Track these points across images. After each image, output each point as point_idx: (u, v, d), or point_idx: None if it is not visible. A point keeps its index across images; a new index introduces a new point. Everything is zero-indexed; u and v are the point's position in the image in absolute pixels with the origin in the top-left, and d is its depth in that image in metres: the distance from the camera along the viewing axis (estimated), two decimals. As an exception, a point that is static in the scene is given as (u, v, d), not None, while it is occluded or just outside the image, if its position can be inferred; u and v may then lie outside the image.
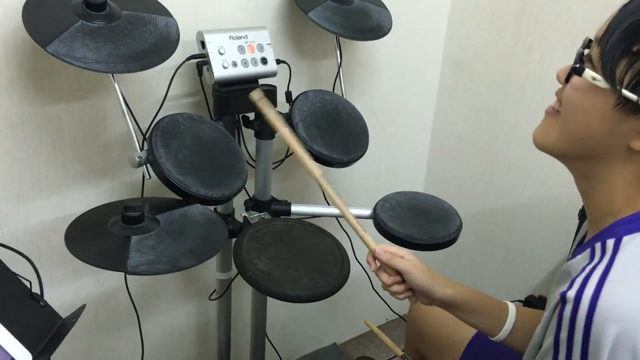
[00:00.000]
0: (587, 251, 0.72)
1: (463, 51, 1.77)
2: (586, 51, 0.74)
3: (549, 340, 0.69)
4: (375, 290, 1.82)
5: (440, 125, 1.91)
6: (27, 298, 0.78)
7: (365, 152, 1.39)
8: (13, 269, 0.87)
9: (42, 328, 0.76)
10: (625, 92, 0.67)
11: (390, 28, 1.43)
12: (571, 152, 0.76)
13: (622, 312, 0.63)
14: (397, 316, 2.01)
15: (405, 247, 1.29)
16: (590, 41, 0.74)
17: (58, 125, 1.19)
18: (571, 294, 0.66)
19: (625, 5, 0.69)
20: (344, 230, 1.69)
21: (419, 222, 1.34)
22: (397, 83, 1.75)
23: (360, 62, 1.64)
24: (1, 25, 1.05)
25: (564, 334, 0.66)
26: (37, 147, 1.17)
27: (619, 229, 0.71)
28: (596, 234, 0.76)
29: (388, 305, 1.89)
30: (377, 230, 1.33)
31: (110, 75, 1.05)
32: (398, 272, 0.97)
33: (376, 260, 0.99)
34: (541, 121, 0.80)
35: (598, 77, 0.69)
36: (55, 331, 0.76)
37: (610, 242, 0.70)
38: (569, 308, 0.66)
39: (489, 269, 1.90)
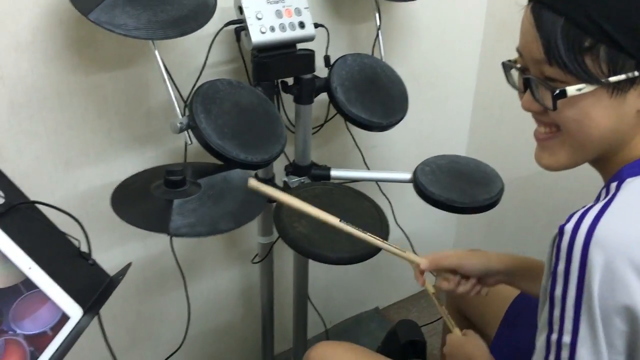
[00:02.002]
0: (596, 199, 0.73)
1: (507, 10, 1.71)
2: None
3: (547, 273, 0.69)
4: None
5: (483, 88, 1.87)
6: (76, 257, 0.82)
7: (404, 115, 1.38)
8: (63, 230, 0.91)
9: (91, 285, 0.79)
10: (612, 79, 0.68)
11: (430, -12, 1.40)
12: (593, 156, 0.76)
13: (613, 241, 0.63)
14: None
15: (446, 211, 1.29)
16: (520, 67, 0.77)
17: (103, 94, 1.22)
18: (569, 226, 0.66)
19: (537, 18, 0.70)
20: (384, 195, 1.69)
21: (459, 185, 1.33)
22: (438, 45, 1.72)
23: (400, 24, 1.62)
24: (45, -4, 1.08)
25: (561, 266, 0.66)
26: (83, 115, 1.21)
27: (624, 173, 0.72)
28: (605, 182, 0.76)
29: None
30: (418, 194, 1.33)
31: (151, 42, 1.07)
32: (452, 272, 0.98)
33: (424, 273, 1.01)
34: (540, 148, 0.80)
35: (581, 85, 0.70)
36: (104, 288, 0.79)
37: (613, 184, 0.71)
38: (565, 239, 0.66)
39: (534, 232, 1.87)
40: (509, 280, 1.00)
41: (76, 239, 0.84)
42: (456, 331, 1.12)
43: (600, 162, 0.78)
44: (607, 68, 0.68)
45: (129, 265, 0.86)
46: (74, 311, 0.75)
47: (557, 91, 0.70)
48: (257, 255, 1.50)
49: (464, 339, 1.07)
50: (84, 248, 0.85)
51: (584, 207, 0.69)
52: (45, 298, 0.75)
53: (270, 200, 1.08)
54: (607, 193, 0.71)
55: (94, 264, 0.82)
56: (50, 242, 0.79)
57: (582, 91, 0.70)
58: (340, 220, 0.98)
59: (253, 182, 1.00)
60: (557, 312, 0.67)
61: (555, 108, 0.72)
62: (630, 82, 0.69)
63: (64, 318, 0.76)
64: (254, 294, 1.66)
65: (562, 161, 0.77)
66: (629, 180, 0.70)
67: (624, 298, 0.63)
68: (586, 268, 0.64)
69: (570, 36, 0.68)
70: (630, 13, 0.67)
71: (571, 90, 0.70)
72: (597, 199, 0.72)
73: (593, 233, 0.64)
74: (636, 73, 0.68)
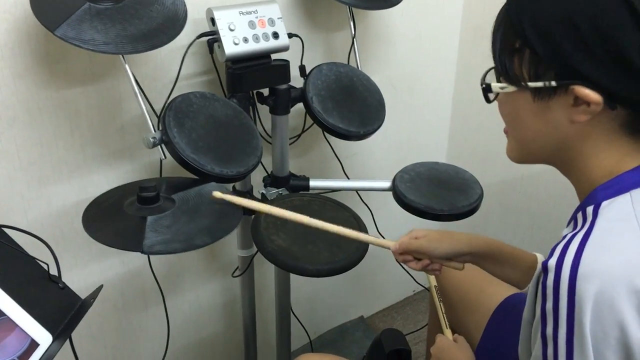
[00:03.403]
0: (572, 222, 0.72)
1: (482, 15, 1.72)
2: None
3: (537, 313, 0.68)
4: (400, 263, 1.81)
5: (461, 94, 1.87)
6: (46, 280, 0.80)
7: (382, 124, 1.37)
8: (34, 252, 0.89)
9: (62, 309, 0.77)
10: (531, 84, 0.71)
11: (405, -5, 1.39)
12: (534, 155, 0.79)
13: (601, 270, 0.62)
14: (422, 288, 2.00)
15: (426, 218, 1.28)
16: None
17: (74, 109, 1.19)
18: (552, 262, 0.65)
19: (498, 17, 0.75)
20: (364, 203, 1.68)
21: (439, 192, 1.32)
22: (414, 52, 1.72)
23: (376, 33, 1.61)
24: (12, 12, 1.06)
25: (549, 305, 0.65)
26: (55, 131, 1.19)
27: (598, 195, 0.71)
28: (579, 204, 0.75)
29: (413, 278, 1.88)
30: (397, 202, 1.32)
31: (121, 56, 1.05)
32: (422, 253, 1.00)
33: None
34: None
35: (504, 84, 0.74)
36: (75, 312, 0.77)
37: (589, 209, 0.70)
38: (551, 277, 0.65)
39: (515, 237, 1.87)
40: (475, 261, 1.02)
41: (45, 263, 0.81)
42: (447, 333, 1.12)
43: (568, 174, 0.78)
44: (528, 73, 0.71)
45: (100, 287, 0.84)
46: (44, 337, 0.73)
47: (484, 85, 0.76)
48: (237, 268, 1.48)
49: (453, 344, 1.07)
50: (54, 271, 0.82)
51: (563, 237, 0.68)
52: (12, 325, 0.72)
53: (245, 211, 1.09)
54: (584, 219, 0.70)
55: (64, 287, 0.80)
56: (18, 267, 0.77)
57: (505, 90, 0.74)
58: (309, 218, 1.03)
59: (217, 193, 1.04)
60: (550, 351, 0.66)
61: (486, 99, 0.78)
62: (550, 91, 0.70)
63: (33, 345, 0.73)
64: (235, 307, 1.64)
65: (514, 154, 0.81)
66: (604, 204, 0.69)
67: (616, 330, 0.62)
68: (575, 303, 0.63)
69: (506, 36, 0.72)
70: (550, 25, 0.68)
71: (495, 86, 0.75)
72: (575, 224, 0.71)
73: (578, 267, 0.63)
74: (553, 83, 0.69)
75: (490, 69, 0.77)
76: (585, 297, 0.62)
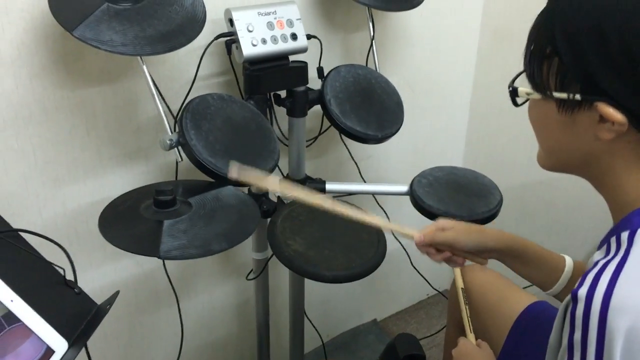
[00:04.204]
0: (604, 246, 0.68)
1: (503, 16, 1.69)
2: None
3: (564, 342, 0.65)
4: (415, 267, 1.80)
5: (479, 97, 1.85)
6: (62, 285, 0.79)
7: (400, 127, 1.35)
8: (50, 255, 0.88)
9: (77, 315, 0.76)
10: (556, 94, 0.68)
11: (425, -3, 1.37)
12: (563, 165, 0.76)
13: (635, 305, 0.59)
14: (436, 292, 1.98)
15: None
16: None
17: (91, 109, 1.19)
18: (582, 291, 0.62)
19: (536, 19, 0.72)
20: (381, 207, 1.66)
21: (457, 197, 1.30)
22: (433, 54, 1.70)
23: (394, 34, 1.59)
24: (30, 11, 1.05)
25: (577, 335, 0.62)
26: (71, 131, 1.18)
27: (635, 220, 0.67)
28: (613, 226, 0.72)
29: (427, 282, 1.86)
30: (415, 207, 1.30)
31: (139, 57, 1.04)
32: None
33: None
34: None
35: (530, 90, 0.72)
36: (91, 318, 0.76)
37: (624, 235, 0.66)
38: (580, 307, 0.62)
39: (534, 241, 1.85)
40: (501, 258, 0.99)
41: (61, 268, 0.80)
42: (471, 337, 1.09)
43: (600, 190, 0.75)
44: (555, 82, 0.68)
45: (117, 293, 0.82)
46: (59, 344, 0.72)
47: (511, 88, 0.75)
48: (251, 271, 1.47)
49: (477, 349, 1.04)
50: (70, 275, 0.81)
51: (595, 264, 0.65)
52: (28, 332, 0.71)
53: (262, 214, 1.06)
54: (619, 245, 0.66)
55: (80, 293, 0.79)
56: (34, 272, 0.76)
57: (531, 96, 0.72)
58: (333, 201, 0.98)
59: (234, 172, 0.99)
60: None
61: (514, 103, 0.76)
62: (575, 104, 0.67)
63: (49, 352, 0.72)
64: (249, 309, 1.63)
65: (542, 161, 0.79)
66: None
67: None
68: (605, 337, 0.60)
69: (540, 39, 0.70)
70: (579, 33, 0.65)
71: (522, 91, 0.74)
72: (608, 250, 0.67)
73: (610, 298, 0.60)
74: (578, 97, 0.66)
75: (521, 73, 0.75)
76: (616, 331, 0.59)
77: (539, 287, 0.99)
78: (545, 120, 0.73)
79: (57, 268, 0.80)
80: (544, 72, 0.69)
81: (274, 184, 1.02)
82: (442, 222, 0.98)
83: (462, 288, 1.20)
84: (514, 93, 0.75)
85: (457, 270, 1.15)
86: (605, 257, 0.66)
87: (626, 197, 0.70)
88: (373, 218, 0.99)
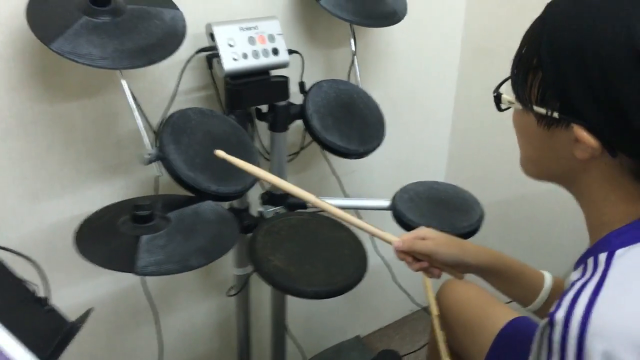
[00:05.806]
0: (581, 266, 0.68)
1: (484, 33, 1.71)
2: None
3: None
4: (397, 283, 1.79)
5: (461, 112, 1.86)
6: (34, 303, 0.77)
7: (381, 142, 1.35)
8: (26, 272, 0.86)
9: (50, 333, 0.74)
10: (536, 108, 0.68)
11: (406, 13, 1.38)
12: (544, 174, 0.76)
13: (611, 329, 0.58)
14: (419, 308, 1.97)
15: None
16: None
17: (69, 123, 1.17)
18: (560, 315, 0.61)
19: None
20: (363, 222, 1.66)
21: (439, 212, 1.30)
22: (414, 69, 1.71)
23: (376, 50, 1.60)
24: (8, 24, 1.04)
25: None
26: (50, 145, 1.16)
27: (612, 242, 0.66)
28: (590, 247, 0.71)
29: (410, 298, 1.85)
30: (397, 222, 1.30)
31: (118, 71, 1.03)
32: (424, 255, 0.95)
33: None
34: None
35: (512, 100, 0.72)
36: (63, 335, 0.74)
37: (602, 257, 0.65)
38: (558, 331, 0.61)
39: (515, 257, 1.85)
40: (481, 275, 0.98)
41: (34, 284, 0.79)
42: None
43: (580, 202, 0.75)
44: (537, 94, 0.68)
45: (90, 310, 0.81)
46: (29, 363, 0.70)
47: (496, 94, 0.75)
48: (232, 287, 1.45)
49: None
50: (43, 292, 0.79)
51: (571, 286, 0.64)
52: (-3, 350, 0.69)
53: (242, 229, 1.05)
54: (595, 266, 0.65)
55: (52, 310, 0.77)
56: (5, 288, 0.74)
57: (513, 106, 0.72)
58: (315, 198, 0.99)
59: (220, 152, 0.98)
60: None
61: (498, 108, 0.76)
62: (553, 121, 0.67)
63: (19, 370, 0.70)
64: (231, 326, 1.61)
65: (524, 168, 0.79)
66: (619, 252, 0.64)
67: None
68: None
69: (529, 50, 0.69)
70: (561, 48, 0.64)
71: (504, 98, 0.74)
72: (584, 270, 0.66)
73: (588, 322, 0.59)
74: (556, 115, 0.66)
75: (507, 79, 0.74)
76: (594, 356, 0.58)
77: (518, 303, 0.99)
78: (526, 129, 0.73)
79: (29, 285, 0.78)
80: (528, 82, 0.69)
81: (257, 170, 0.99)
82: (423, 230, 0.96)
83: (437, 315, 1.18)
84: (497, 99, 0.75)
85: (431, 297, 1.12)
86: (581, 278, 0.65)
87: (603, 217, 0.70)
88: (353, 219, 0.96)
